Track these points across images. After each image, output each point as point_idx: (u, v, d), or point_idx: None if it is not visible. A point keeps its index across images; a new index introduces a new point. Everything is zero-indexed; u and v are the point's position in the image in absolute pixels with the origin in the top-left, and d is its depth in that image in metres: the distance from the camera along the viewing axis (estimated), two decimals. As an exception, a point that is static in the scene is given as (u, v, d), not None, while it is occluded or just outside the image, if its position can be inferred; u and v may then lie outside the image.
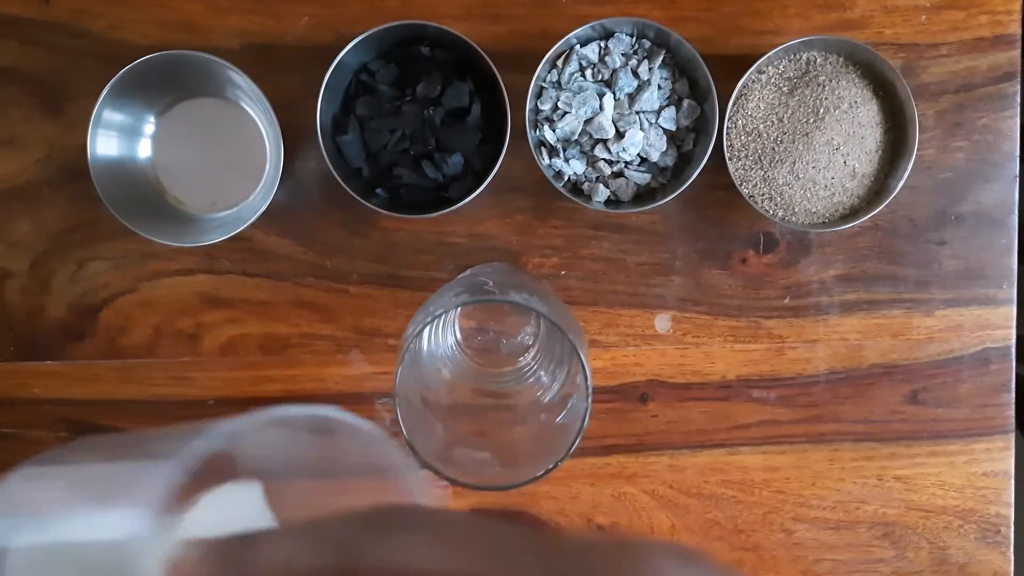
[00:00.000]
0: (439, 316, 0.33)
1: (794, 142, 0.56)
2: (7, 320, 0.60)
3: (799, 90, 0.56)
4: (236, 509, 0.26)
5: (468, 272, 0.58)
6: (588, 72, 0.56)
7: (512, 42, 0.58)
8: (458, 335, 0.58)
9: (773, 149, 0.56)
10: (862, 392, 0.61)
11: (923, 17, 0.59)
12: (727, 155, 0.55)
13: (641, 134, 0.55)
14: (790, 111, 0.56)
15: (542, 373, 0.55)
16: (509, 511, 0.61)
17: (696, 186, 0.55)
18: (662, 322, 0.61)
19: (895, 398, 0.61)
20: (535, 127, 0.56)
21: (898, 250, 0.60)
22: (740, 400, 0.61)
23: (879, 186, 0.57)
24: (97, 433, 0.61)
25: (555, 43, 0.54)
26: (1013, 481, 0.62)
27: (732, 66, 0.56)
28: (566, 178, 0.57)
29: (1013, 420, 0.61)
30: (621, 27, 0.56)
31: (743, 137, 0.57)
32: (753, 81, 0.57)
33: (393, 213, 0.55)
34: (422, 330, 0.32)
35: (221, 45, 0.58)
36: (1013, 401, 0.61)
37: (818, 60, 0.57)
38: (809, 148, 0.56)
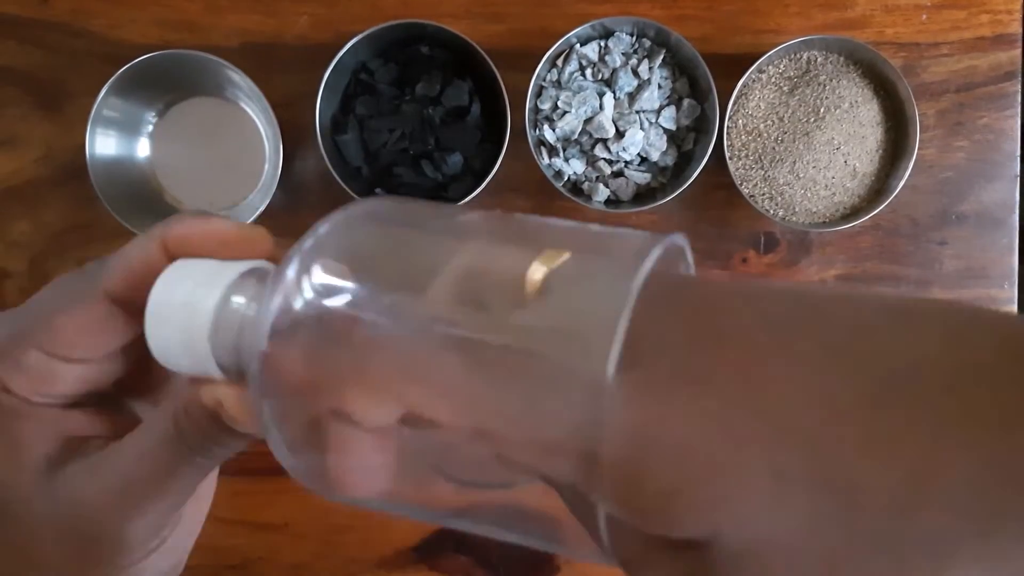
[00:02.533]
0: None
1: (795, 141, 0.56)
2: (5, 320, 0.60)
3: (800, 89, 0.56)
4: None
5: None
6: (588, 71, 0.56)
7: (512, 41, 0.58)
8: None
9: (774, 148, 0.56)
10: (863, 392, 0.61)
11: (924, 16, 0.59)
12: (727, 154, 0.55)
13: (641, 133, 0.55)
14: (790, 110, 0.56)
15: None
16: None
17: (696, 186, 0.55)
18: (662, 322, 0.60)
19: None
20: (535, 126, 0.56)
21: (899, 250, 0.60)
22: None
23: (880, 185, 0.57)
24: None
25: (555, 42, 0.54)
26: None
27: (732, 65, 0.56)
28: (566, 178, 0.57)
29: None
30: (621, 26, 0.56)
31: (743, 136, 0.57)
32: (753, 80, 0.56)
33: (392, 213, 0.55)
34: None
35: (220, 44, 0.58)
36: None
37: (819, 59, 0.57)
38: (810, 147, 0.55)
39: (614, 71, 0.55)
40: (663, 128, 0.56)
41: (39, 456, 0.24)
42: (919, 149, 0.55)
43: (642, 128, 0.55)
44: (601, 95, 0.55)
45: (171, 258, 0.24)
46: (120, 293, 0.24)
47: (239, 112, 0.59)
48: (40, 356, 0.24)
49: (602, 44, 0.56)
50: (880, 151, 0.57)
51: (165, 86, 0.57)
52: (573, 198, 0.55)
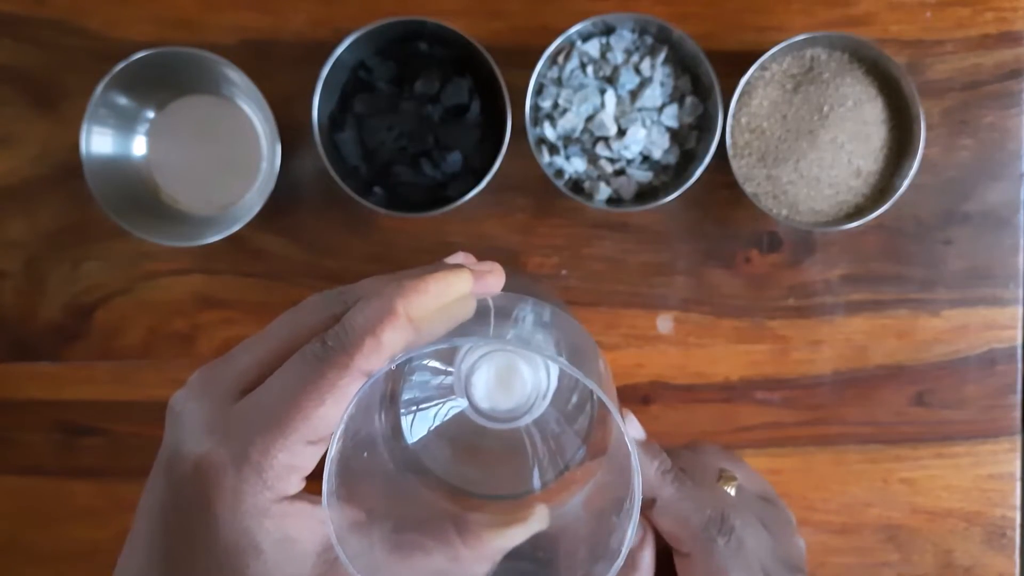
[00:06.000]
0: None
1: (798, 140, 0.55)
2: (0, 321, 0.60)
3: (803, 87, 0.56)
4: None
5: None
6: (589, 68, 0.55)
7: (512, 38, 0.57)
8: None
9: (777, 147, 0.56)
10: (867, 394, 0.60)
11: (928, 14, 0.58)
12: (730, 153, 0.55)
13: (643, 131, 0.55)
14: (794, 108, 0.55)
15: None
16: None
17: (699, 184, 0.54)
18: (664, 323, 0.60)
19: (900, 400, 0.60)
20: (535, 124, 0.56)
21: (903, 250, 0.59)
22: (744, 402, 0.60)
23: (884, 185, 0.56)
24: (91, 436, 0.60)
25: (555, 39, 0.53)
26: (1019, 483, 0.61)
27: (735, 63, 0.55)
28: (567, 176, 0.57)
29: (1019, 422, 0.61)
30: (623, 23, 0.55)
31: (746, 135, 0.56)
32: (757, 78, 0.56)
33: (391, 212, 0.55)
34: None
35: (217, 42, 0.57)
36: (1019, 403, 0.61)
37: (822, 57, 0.56)
38: (813, 146, 0.55)
39: (616, 68, 0.55)
40: (665, 126, 0.55)
41: (312, 550, 0.26)
42: (924, 148, 0.54)
43: (644, 126, 0.55)
44: (602, 92, 0.55)
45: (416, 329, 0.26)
46: (374, 369, 0.26)
47: (236, 110, 0.58)
48: (300, 448, 0.25)
49: (603, 41, 0.55)
50: (884, 150, 0.56)
51: (161, 84, 0.57)
52: (574, 197, 0.55)
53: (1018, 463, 0.61)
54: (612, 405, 0.25)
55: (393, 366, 0.25)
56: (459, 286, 0.27)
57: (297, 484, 0.26)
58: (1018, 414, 0.61)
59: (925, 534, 0.61)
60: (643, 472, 0.35)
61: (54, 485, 0.60)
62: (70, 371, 0.60)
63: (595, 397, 0.30)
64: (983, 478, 0.61)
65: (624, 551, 0.24)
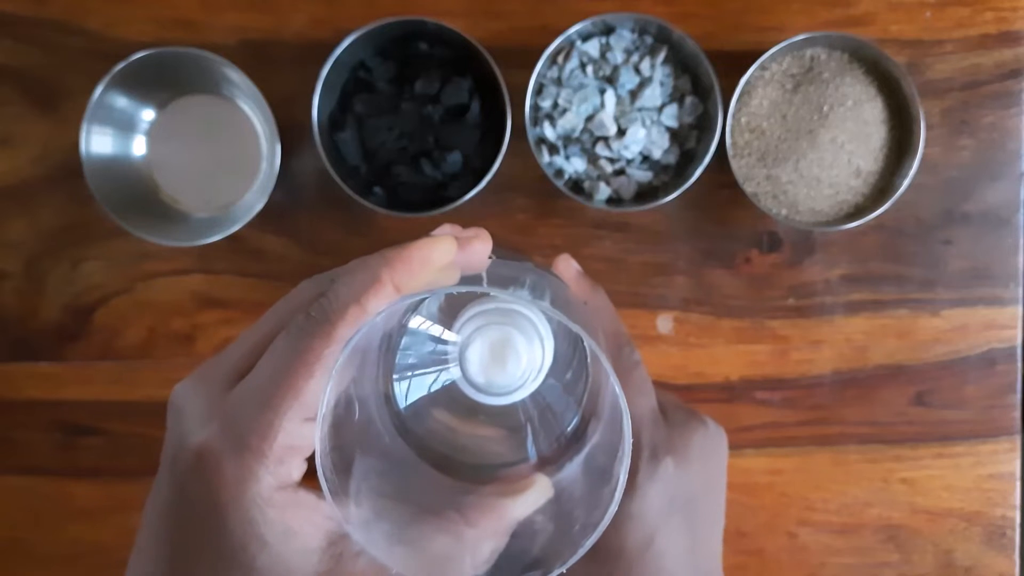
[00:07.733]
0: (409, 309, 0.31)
1: (798, 140, 0.55)
2: (0, 321, 0.60)
3: (803, 87, 0.56)
4: None
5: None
6: (589, 68, 0.55)
7: (512, 38, 0.57)
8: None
9: (777, 147, 0.56)
10: (867, 394, 0.60)
11: (928, 14, 0.58)
12: (730, 153, 0.55)
13: (643, 131, 0.55)
14: (794, 108, 0.55)
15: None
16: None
17: (699, 184, 0.54)
18: (664, 323, 0.60)
19: (900, 399, 0.60)
20: (535, 124, 0.56)
21: (903, 250, 0.59)
22: (744, 402, 0.60)
23: (884, 185, 0.56)
24: (91, 436, 0.60)
25: (555, 39, 0.53)
26: (1019, 483, 0.61)
27: (735, 63, 0.55)
28: (567, 176, 0.57)
29: (1019, 422, 0.61)
30: (623, 23, 0.55)
31: (746, 135, 0.56)
32: (757, 78, 0.56)
33: (391, 212, 0.55)
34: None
35: (217, 42, 0.57)
36: (1019, 402, 0.61)
37: (822, 57, 0.56)
38: (813, 146, 0.55)
39: (615, 68, 0.55)
40: (665, 126, 0.56)
41: (317, 545, 0.25)
42: (923, 148, 0.54)
43: (644, 126, 0.55)
44: (602, 92, 0.55)
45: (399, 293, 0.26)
46: (349, 335, 0.25)
47: (236, 110, 0.58)
48: (297, 427, 0.25)
49: (603, 41, 0.55)
50: (884, 150, 0.56)
51: (161, 84, 0.57)
52: (574, 196, 0.55)
53: (1018, 463, 0.61)
54: (603, 356, 0.24)
55: (379, 318, 0.25)
56: (443, 252, 0.27)
57: (299, 467, 0.26)
58: (1018, 414, 0.61)
59: (925, 534, 0.61)
60: (638, 416, 0.33)
61: (54, 485, 0.60)
62: (70, 371, 0.60)
63: (590, 369, 0.30)
64: (983, 478, 0.61)
65: (617, 499, 0.24)
